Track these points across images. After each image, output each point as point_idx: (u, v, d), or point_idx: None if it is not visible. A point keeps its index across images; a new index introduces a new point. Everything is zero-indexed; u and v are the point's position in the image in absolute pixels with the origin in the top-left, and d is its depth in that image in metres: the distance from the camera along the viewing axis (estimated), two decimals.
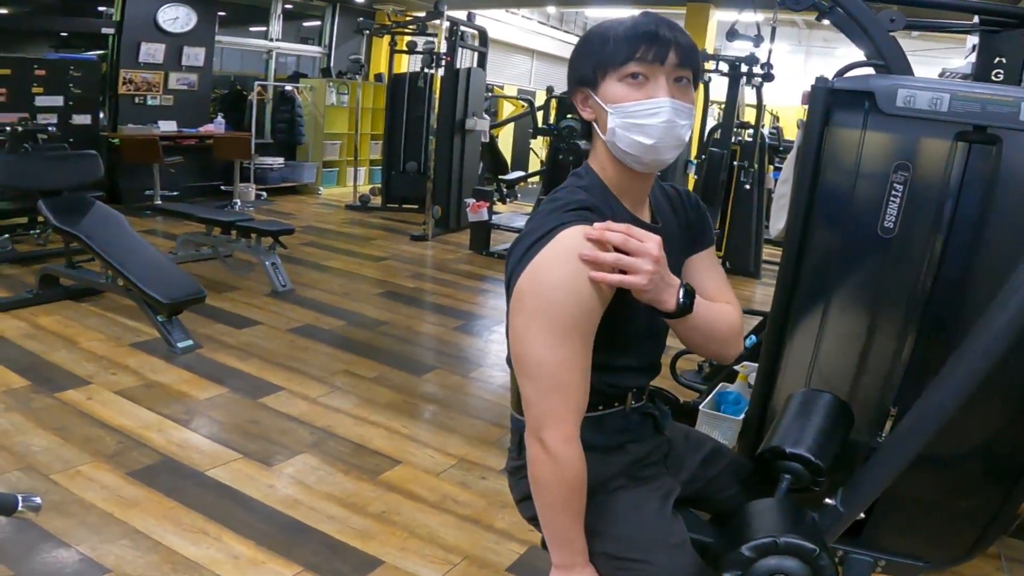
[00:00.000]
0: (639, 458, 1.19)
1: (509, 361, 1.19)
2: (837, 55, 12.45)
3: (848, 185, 1.46)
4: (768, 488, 1.25)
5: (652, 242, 1.02)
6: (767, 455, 1.26)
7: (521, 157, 10.55)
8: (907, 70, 1.59)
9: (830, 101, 1.46)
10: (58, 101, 6.16)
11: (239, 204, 7.34)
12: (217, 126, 7.64)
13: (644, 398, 1.25)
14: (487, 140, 7.54)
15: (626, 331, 1.12)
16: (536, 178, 8.37)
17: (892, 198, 1.43)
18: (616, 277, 1.00)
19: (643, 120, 1.06)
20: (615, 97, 1.07)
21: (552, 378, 1.04)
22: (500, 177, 8.08)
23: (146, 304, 3.41)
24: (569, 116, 6.90)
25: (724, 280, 1.34)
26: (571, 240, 1.01)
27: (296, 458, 2.57)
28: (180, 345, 3.37)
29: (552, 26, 13.79)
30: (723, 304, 1.26)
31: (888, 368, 1.51)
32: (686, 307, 1.07)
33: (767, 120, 8.36)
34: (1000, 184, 1.37)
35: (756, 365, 2.29)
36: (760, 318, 2.84)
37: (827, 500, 1.17)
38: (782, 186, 1.80)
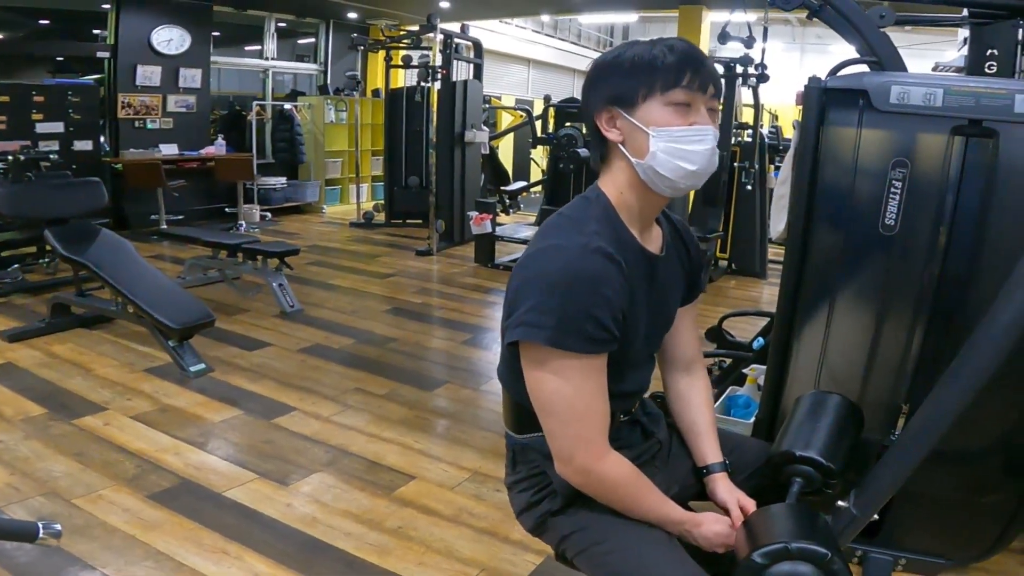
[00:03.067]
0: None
1: (501, 375, 1.21)
2: (832, 51, 12.49)
3: (847, 184, 1.46)
4: (780, 493, 1.24)
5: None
6: (777, 459, 1.26)
7: (522, 167, 10.58)
8: (900, 66, 1.59)
9: (824, 100, 1.46)
10: (59, 127, 6.15)
11: (244, 226, 7.38)
12: (218, 148, 7.69)
13: (634, 410, 1.28)
14: (487, 152, 7.57)
15: (623, 360, 1.14)
16: (538, 188, 8.39)
17: (892, 195, 1.43)
18: None
19: (689, 146, 1.07)
20: (659, 121, 1.07)
21: (572, 408, 1.06)
22: (502, 188, 8.10)
23: (157, 330, 3.44)
24: (568, 124, 6.93)
25: (699, 341, 1.41)
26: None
27: (312, 476, 2.58)
28: (192, 369, 3.40)
29: (547, 34, 13.87)
30: (704, 401, 1.35)
31: (898, 365, 1.51)
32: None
33: (766, 120, 8.37)
34: (999, 177, 1.37)
35: (765, 367, 2.30)
36: (768, 319, 2.84)
37: (840, 503, 1.17)
38: (781, 187, 1.81)
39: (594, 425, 1.08)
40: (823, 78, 1.50)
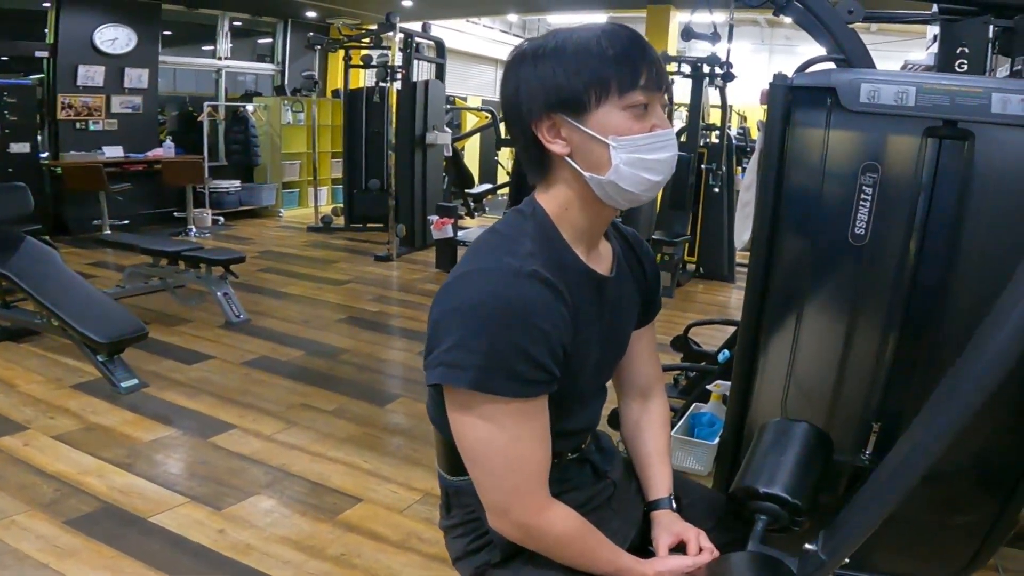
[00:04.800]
0: (577, 506, 1.05)
1: (429, 412, 1.06)
2: (800, 52, 12.60)
3: (815, 189, 1.38)
4: (745, 527, 1.13)
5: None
6: (740, 495, 1.14)
7: (489, 169, 10.46)
8: (868, 63, 1.54)
9: (790, 99, 1.38)
10: None
11: (194, 231, 7.13)
12: (166, 150, 7.42)
13: (584, 446, 1.13)
14: (450, 154, 7.42)
15: (569, 396, 0.99)
16: (504, 190, 8.28)
17: (862, 202, 1.36)
18: None
19: (652, 155, 0.93)
20: (618, 128, 0.91)
21: (504, 458, 0.92)
22: (466, 191, 7.97)
23: (85, 345, 3.22)
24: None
25: (658, 363, 1.29)
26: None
27: (248, 500, 2.40)
28: (124, 385, 3.18)
29: (515, 35, 13.78)
30: (658, 429, 1.23)
31: (868, 381, 1.44)
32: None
33: (734, 121, 8.37)
34: (974, 181, 1.29)
35: (728, 383, 2.19)
36: (735, 328, 2.73)
37: (807, 545, 1.05)
38: (745, 193, 1.71)
39: (531, 476, 0.93)
40: (786, 77, 1.41)
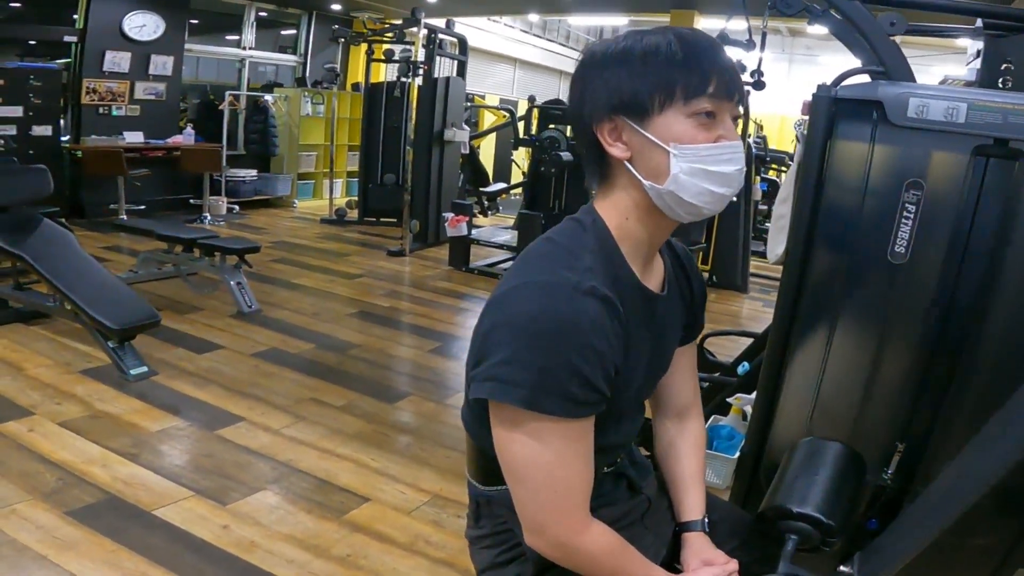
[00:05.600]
0: (611, 521, 1.03)
1: (465, 420, 1.03)
2: (820, 62, 12.56)
3: (855, 204, 1.34)
4: (770, 546, 1.12)
5: None
6: (770, 514, 1.12)
7: (503, 169, 10.41)
8: (909, 77, 1.46)
9: (834, 111, 1.34)
10: (17, 111, 5.97)
11: (209, 218, 7.12)
12: (187, 137, 7.42)
13: (619, 460, 1.10)
14: (467, 151, 7.39)
15: (611, 413, 0.95)
16: (518, 190, 8.24)
17: (904, 220, 1.31)
18: None
19: (717, 167, 0.89)
20: (681, 136, 0.88)
21: (548, 477, 0.89)
22: (481, 189, 7.93)
23: (95, 330, 3.20)
24: (552, 127, 6.76)
25: (697, 383, 1.25)
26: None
27: (254, 496, 2.37)
28: (133, 372, 3.15)
29: (535, 35, 13.78)
30: (692, 450, 1.20)
31: (896, 401, 1.41)
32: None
33: (751, 129, 8.29)
34: (1022, 203, 1.24)
35: (749, 397, 2.14)
36: (751, 339, 2.68)
37: (842, 567, 1.03)
38: (780, 206, 1.66)
39: (573, 496, 0.90)
40: (830, 87, 1.38)
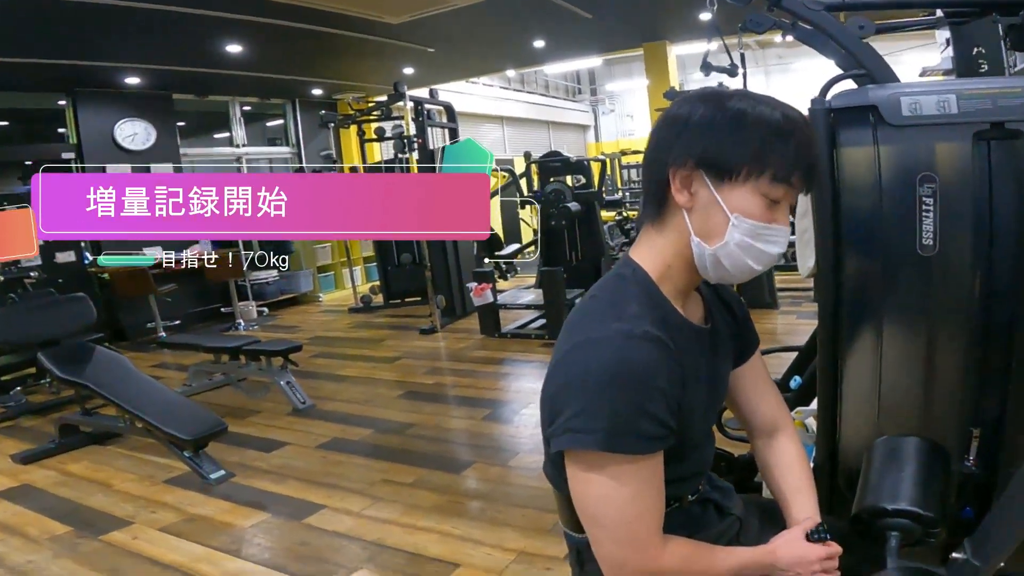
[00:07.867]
0: None
1: (549, 475, 1.11)
2: (794, 68, 12.77)
3: (874, 206, 1.35)
4: (870, 546, 1.16)
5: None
6: (866, 515, 1.18)
7: (512, 229, 10.51)
8: (891, 76, 1.47)
9: (833, 121, 1.36)
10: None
11: (242, 324, 7.31)
12: (203, 246, 7.49)
13: (701, 487, 1.16)
14: None
15: (682, 446, 1.02)
16: (531, 248, 8.32)
17: (924, 213, 1.31)
18: None
19: (764, 245, 0.96)
20: (745, 208, 0.95)
21: (623, 513, 0.95)
22: (496, 254, 8.03)
23: (170, 443, 3.37)
24: (553, 180, 6.91)
25: (778, 393, 1.27)
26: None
27: (354, 575, 2.49)
28: (213, 476, 3.31)
29: (515, 89, 13.70)
30: (790, 463, 1.20)
31: (960, 389, 1.39)
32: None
33: None
34: None
35: (808, 409, 2.23)
36: (795, 353, 2.78)
37: (955, 555, 1.07)
38: (801, 220, 1.74)
39: (649, 526, 0.97)
40: (824, 99, 1.39)
